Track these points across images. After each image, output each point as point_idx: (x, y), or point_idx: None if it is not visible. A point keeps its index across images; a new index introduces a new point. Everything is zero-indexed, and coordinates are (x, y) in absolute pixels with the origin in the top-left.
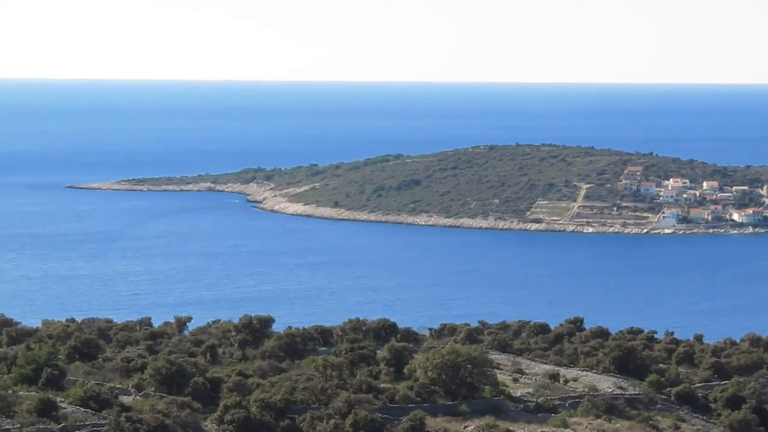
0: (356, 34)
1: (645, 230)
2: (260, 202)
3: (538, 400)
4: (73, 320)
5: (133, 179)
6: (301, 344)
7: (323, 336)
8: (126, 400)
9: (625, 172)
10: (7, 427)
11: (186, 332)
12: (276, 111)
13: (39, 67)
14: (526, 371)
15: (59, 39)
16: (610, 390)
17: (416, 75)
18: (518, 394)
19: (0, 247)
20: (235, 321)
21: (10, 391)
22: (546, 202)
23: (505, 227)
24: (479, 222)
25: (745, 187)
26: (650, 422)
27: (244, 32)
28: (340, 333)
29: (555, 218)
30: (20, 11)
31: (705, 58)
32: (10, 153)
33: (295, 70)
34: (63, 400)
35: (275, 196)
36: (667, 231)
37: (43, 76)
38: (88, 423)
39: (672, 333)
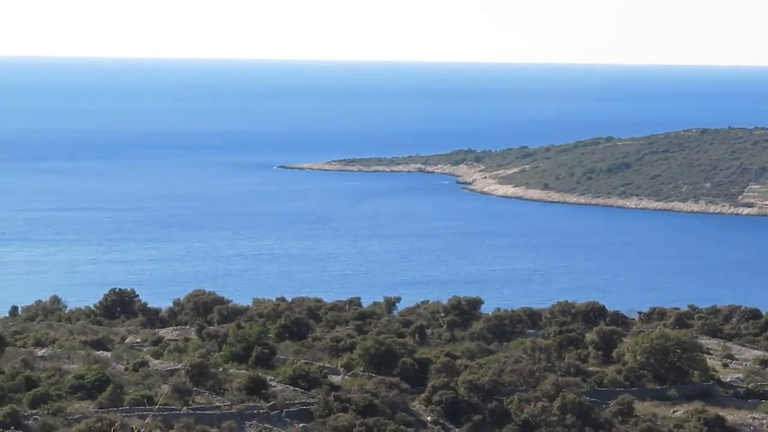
0: (561, 16)
1: None
2: (470, 183)
3: (749, 385)
4: (283, 299)
5: (344, 160)
6: (509, 326)
7: (532, 318)
8: (335, 379)
9: None
10: (217, 404)
11: (395, 313)
12: (483, 92)
13: (251, 49)
14: (736, 357)
15: (278, 21)
16: None
17: (627, 57)
18: (728, 380)
19: (213, 226)
20: (444, 302)
21: (221, 369)
22: (759, 186)
23: (716, 211)
24: (690, 206)
25: None
26: None
27: (451, 13)
28: (548, 316)
29: None
30: None
31: None
32: (221, 132)
33: (502, 51)
34: (273, 378)
35: (485, 177)
36: None
37: (258, 57)
38: (297, 401)
39: None
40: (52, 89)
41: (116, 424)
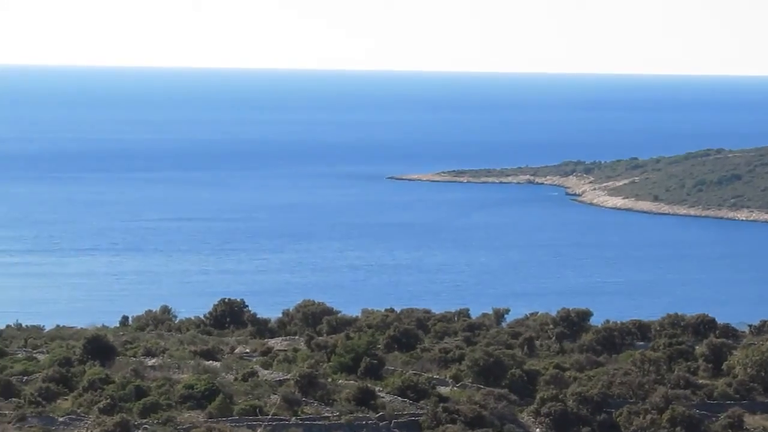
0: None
1: None
2: (579, 195)
3: None
4: (392, 310)
5: (453, 171)
6: (618, 338)
7: (641, 330)
8: (443, 390)
9: None
10: (326, 414)
11: (503, 324)
12: (594, 102)
13: (363, 60)
14: None
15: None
16: None
17: (742, 68)
18: None
19: (323, 237)
20: (553, 314)
21: (329, 380)
22: None
23: None
24: None
25: None
26: None
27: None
28: (658, 328)
29: None
30: None
31: None
32: (331, 143)
33: (634, 63)
34: (381, 389)
35: (594, 189)
36: None
37: (365, 68)
38: (405, 412)
39: None
40: (155, 98)
41: None
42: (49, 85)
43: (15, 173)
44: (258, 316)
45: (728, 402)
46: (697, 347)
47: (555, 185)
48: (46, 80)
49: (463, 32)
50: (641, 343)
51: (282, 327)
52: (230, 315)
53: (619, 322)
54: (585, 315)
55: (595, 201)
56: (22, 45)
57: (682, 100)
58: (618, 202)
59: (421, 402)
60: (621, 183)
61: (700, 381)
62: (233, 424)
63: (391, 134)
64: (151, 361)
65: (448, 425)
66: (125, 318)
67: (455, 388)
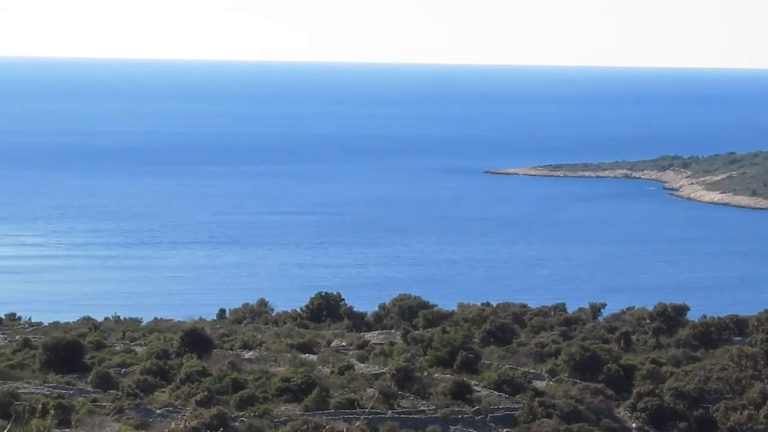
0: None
1: None
2: (676, 189)
3: None
4: (488, 304)
5: (550, 165)
6: (715, 333)
7: (738, 326)
8: (539, 385)
9: None
10: (422, 408)
11: (600, 318)
12: (691, 97)
13: (454, 54)
14: None
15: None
16: None
17: None
18: None
19: (420, 230)
20: (650, 308)
21: (425, 373)
22: None
23: None
24: None
25: None
26: None
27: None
28: (755, 323)
29: None
30: None
31: None
32: (427, 136)
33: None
34: (477, 383)
35: (692, 183)
36: None
37: (462, 62)
38: (501, 407)
39: None
40: (249, 91)
41: (327, 427)
42: (151, 78)
43: (114, 166)
44: (354, 309)
45: None
46: None
47: (652, 180)
48: (148, 74)
49: (563, 28)
50: (738, 338)
51: (378, 320)
52: (327, 308)
53: (716, 317)
54: (682, 310)
55: (692, 196)
56: (115, 39)
57: None
58: (715, 196)
59: (517, 396)
60: (718, 177)
61: None
62: (329, 418)
63: (489, 128)
64: (247, 354)
65: (544, 419)
66: (222, 311)
67: (551, 383)
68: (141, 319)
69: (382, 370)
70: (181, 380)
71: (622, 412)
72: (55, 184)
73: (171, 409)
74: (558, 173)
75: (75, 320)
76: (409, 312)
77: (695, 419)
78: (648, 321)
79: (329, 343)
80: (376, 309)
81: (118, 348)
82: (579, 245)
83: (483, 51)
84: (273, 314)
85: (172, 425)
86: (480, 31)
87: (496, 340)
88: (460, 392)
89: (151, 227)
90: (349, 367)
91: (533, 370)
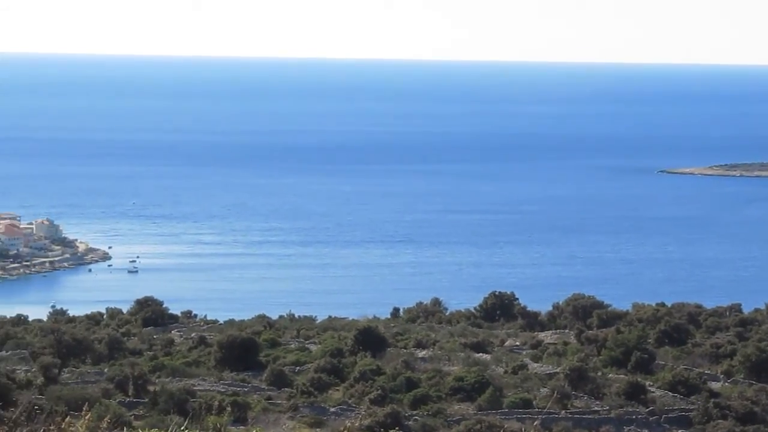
0: None
1: None
2: None
3: None
4: (663, 304)
5: (725, 165)
6: None
7: None
8: (714, 386)
9: None
10: (595, 408)
11: None
12: None
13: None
14: None
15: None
16: None
17: None
18: None
19: (595, 230)
20: None
21: (599, 373)
22: None
23: None
24: None
25: None
26: None
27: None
28: None
29: None
30: None
31: None
32: (600, 136)
33: None
34: (651, 384)
35: None
36: None
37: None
38: (675, 408)
39: None
40: (412, 90)
41: (504, 427)
42: (335, 77)
43: (290, 165)
44: (528, 309)
45: None
46: None
47: None
48: (329, 73)
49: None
50: None
51: (552, 320)
52: (501, 308)
53: None
54: None
55: None
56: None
57: None
58: None
59: (692, 397)
60: None
61: None
62: (502, 417)
63: (663, 127)
64: (421, 353)
65: (719, 421)
66: (396, 309)
67: (726, 384)
68: (315, 317)
69: (555, 370)
70: (355, 379)
71: None
72: (234, 183)
73: (345, 407)
74: (734, 173)
75: (250, 318)
76: (583, 312)
77: None
78: None
79: (503, 342)
80: (550, 308)
81: (292, 346)
82: (756, 245)
83: (662, 49)
84: (447, 313)
85: (347, 423)
86: (664, 29)
87: (670, 340)
88: (635, 393)
89: (327, 226)
90: (523, 366)
91: (708, 371)
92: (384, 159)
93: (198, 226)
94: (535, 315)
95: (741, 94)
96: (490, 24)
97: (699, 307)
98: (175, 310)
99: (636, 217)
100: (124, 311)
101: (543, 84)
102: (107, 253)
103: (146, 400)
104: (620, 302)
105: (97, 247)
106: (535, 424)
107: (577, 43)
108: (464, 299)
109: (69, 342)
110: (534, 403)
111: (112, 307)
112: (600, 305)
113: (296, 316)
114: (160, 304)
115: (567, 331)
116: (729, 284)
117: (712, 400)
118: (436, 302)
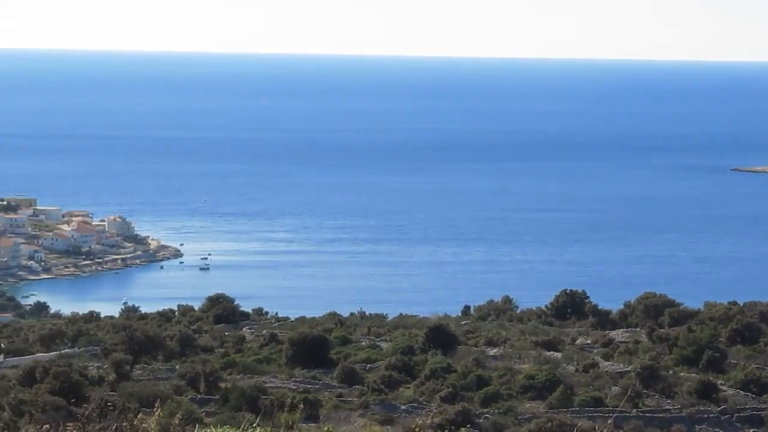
0: None
1: None
2: None
3: None
4: (735, 303)
5: None
6: None
7: None
8: None
9: None
10: (667, 407)
11: None
12: None
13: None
14: None
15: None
16: None
17: None
18: None
19: (668, 229)
20: None
21: (671, 372)
22: None
23: None
24: None
25: None
26: None
27: None
28: None
29: None
30: None
31: None
32: (671, 134)
33: None
34: (723, 383)
35: None
36: None
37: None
38: (747, 407)
39: None
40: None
41: (577, 425)
42: (399, 74)
43: (362, 163)
44: (599, 307)
45: None
46: None
47: None
48: (403, 71)
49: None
50: None
51: (623, 318)
52: (572, 306)
53: None
54: None
55: None
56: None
57: None
58: None
59: (764, 396)
60: None
61: None
62: (573, 415)
63: (736, 125)
64: (492, 351)
65: None
66: (467, 307)
67: None
68: (386, 314)
69: (627, 369)
70: (425, 376)
71: None
72: (306, 181)
73: (416, 404)
74: None
75: (321, 315)
76: (654, 310)
77: None
78: None
79: (574, 340)
80: (622, 307)
81: (363, 343)
82: None
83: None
84: (517, 311)
85: (418, 421)
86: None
87: (742, 339)
88: (706, 391)
89: (398, 224)
90: (594, 365)
91: None
92: (456, 157)
93: (269, 223)
94: (606, 313)
95: None
96: (582, 23)
97: None
98: (247, 307)
99: (708, 216)
100: (196, 308)
101: (615, 81)
102: (179, 251)
103: (217, 397)
104: (692, 301)
105: (168, 244)
106: (608, 422)
107: (670, 43)
108: (535, 297)
109: (141, 339)
110: (605, 401)
111: (184, 304)
112: (672, 304)
113: (367, 313)
114: (232, 301)
115: (638, 329)
116: None
117: None
118: (507, 300)
